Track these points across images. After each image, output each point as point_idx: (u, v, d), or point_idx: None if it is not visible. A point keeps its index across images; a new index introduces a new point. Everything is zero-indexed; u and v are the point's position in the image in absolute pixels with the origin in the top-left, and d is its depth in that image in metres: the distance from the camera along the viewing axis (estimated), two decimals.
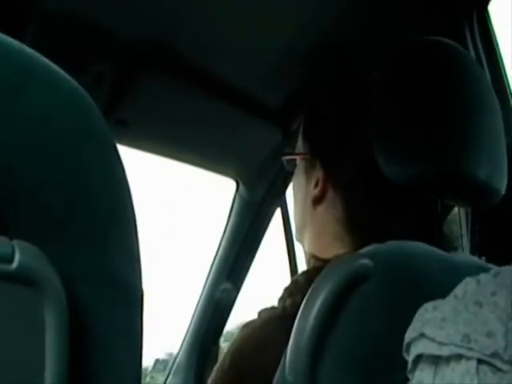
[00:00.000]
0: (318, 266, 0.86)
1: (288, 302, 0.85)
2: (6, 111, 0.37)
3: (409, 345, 0.64)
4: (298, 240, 1.03)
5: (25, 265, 0.36)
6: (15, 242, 0.36)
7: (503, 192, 0.89)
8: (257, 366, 0.82)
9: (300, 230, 1.00)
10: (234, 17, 1.13)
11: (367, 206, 0.90)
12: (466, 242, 1.21)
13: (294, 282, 0.89)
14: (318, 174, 0.94)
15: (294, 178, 1.03)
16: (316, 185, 0.95)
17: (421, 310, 0.65)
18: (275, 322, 0.84)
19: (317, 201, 0.95)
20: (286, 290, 0.89)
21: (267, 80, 1.32)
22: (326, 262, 0.80)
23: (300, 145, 1.01)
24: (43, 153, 0.39)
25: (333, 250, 0.90)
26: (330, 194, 0.93)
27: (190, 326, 1.73)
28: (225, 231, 1.68)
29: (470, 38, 1.20)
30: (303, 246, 1.00)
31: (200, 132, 1.40)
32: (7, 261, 0.35)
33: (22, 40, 0.40)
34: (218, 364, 0.87)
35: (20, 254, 0.36)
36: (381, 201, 0.90)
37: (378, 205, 0.90)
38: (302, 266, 1.42)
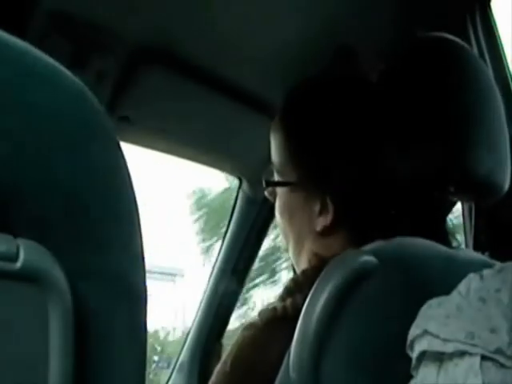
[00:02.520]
0: (318, 265, 0.85)
1: (288, 301, 0.84)
2: (9, 110, 0.37)
3: (413, 341, 0.64)
4: (291, 250, 0.96)
5: (29, 263, 0.36)
6: (20, 241, 0.36)
7: (506, 187, 0.89)
8: (258, 367, 0.82)
9: (296, 246, 0.94)
10: (235, 15, 1.13)
11: (375, 217, 0.87)
12: (469, 238, 1.21)
13: (293, 281, 0.88)
14: (323, 200, 0.88)
15: (285, 198, 0.94)
16: (321, 212, 0.88)
17: (425, 307, 0.65)
18: (276, 323, 0.83)
19: (326, 229, 0.88)
20: (286, 288, 0.88)
21: (269, 77, 1.31)
22: (326, 260, 0.80)
23: (284, 166, 0.93)
24: (46, 150, 0.39)
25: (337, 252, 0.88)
26: (341, 218, 0.88)
27: (193, 323, 1.73)
28: (228, 228, 1.68)
29: (473, 34, 1.19)
30: (298, 254, 0.94)
31: (203, 129, 1.39)
32: (12, 259, 0.35)
33: (24, 38, 0.40)
34: (218, 366, 0.86)
35: (25, 253, 0.36)
36: (387, 206, 0.87)
37: (384, 211, 0.87)
38: None
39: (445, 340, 0.59)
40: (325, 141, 0.89)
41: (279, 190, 0.95)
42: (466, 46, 0.92)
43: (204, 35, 1.16)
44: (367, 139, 0.87)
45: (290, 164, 0.92)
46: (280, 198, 0.95)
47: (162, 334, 6.65)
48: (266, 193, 0.99)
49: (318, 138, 0.89)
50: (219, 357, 1.69)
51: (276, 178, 0.96)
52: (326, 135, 0.89)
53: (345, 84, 0.93)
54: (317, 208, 0.88)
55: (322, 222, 0.88)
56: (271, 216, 1.66)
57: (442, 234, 0.89)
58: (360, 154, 0.87)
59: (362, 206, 0.87)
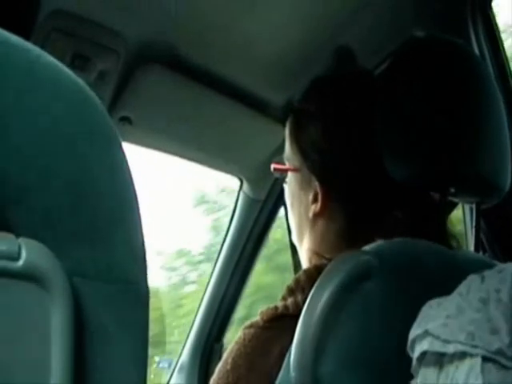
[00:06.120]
0: (319, 265, 0.85)
1: (289, 300, 0.85)
2: (10, 110, 0.38)
3: (413, 342, 0.64)
4: (295, 242, 1.01)
5: (31, 262, 0.36)
6: (21, 240, 0.36)
7: (507, 189, 0.89)
8: (259, 366, 0.82)
9: (298, 237, 0.99)
10: (235, 15, 1.13)
11: (369, 213, 0.89)
12: (470, 239, 1.21)
13: (295, 280, 0.89)
14: (316, 187, 0.92)
15: (289, 186, 1.00)
16: (315, 199, 0.93)
17: (425, 307, 0.65)
18: (277, 322, 0.83)
19: (317, 215, 0.93)
20: (288, 288, 0.88)
21: (270, 77, 1.32)
22: (327, 259, 0.80)
23: (289, 152, 0.98)
24: (48, 151, 0.39)
25: (335, 251, 0.89)
26: (330, 208, 0.92)
27: (193, 323, 1.73)
28: (229, 229, 1.68)
29: (474, 35, 1.19)
30: (300, 247, 0.99)
31: (204, 130, 1.40)
32: (14, 258, 0.35)
33: (26, 38, 0.40)
34: (219, 364, 0.86)
35: (26, 252, 0.36)
36: (383, 204, 0.89)
37: (380, 210, 0.89)
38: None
39: (445, 341, 0.59)
40: (329, 136, 0.92)
41: (287, 179, 1.00)
42: (467, 47, 0.92)
43: (205, 36, 1.16)
44: (369, 137, 0.87)
45: (290, 147, 0.97)
46: (287, 186, 1.01)
47: None
48: (284, 185, 1.04)
49: (322, 133, 0.93)
50: (220, 357, 1.69)
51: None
52: (331, 131, 0.92)
53: (354, 82, 0.96)
54: (311, 196, 0.93)
55: (313, 209, 0.93)
56: (272, 217, 1.66)
57: (443, 235, 0.89)
58: (360, 151, 0.89)
59: (355, 200, 0.90)
